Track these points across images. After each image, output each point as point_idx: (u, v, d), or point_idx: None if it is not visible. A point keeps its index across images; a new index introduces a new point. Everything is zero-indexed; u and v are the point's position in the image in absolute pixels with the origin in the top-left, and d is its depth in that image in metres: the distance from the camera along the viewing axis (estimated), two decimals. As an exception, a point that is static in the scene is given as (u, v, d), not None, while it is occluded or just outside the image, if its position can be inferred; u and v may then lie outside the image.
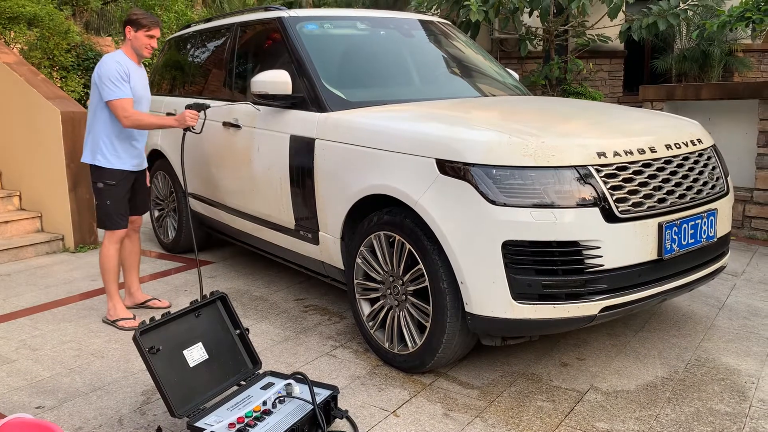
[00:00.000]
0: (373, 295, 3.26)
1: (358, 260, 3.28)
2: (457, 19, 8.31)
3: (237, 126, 4.15)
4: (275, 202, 3.87)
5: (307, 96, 3.64)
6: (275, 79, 3.61)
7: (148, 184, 4.07)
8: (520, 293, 2.66)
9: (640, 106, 6.37)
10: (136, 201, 3.93)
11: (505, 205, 2.64)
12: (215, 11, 11.94)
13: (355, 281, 3.33)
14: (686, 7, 7.65)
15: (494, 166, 2.68)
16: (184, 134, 3.82)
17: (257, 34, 4.36)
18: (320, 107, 3.56)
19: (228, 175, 4.37)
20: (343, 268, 3.48)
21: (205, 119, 4.10)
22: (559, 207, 2.63)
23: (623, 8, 8.23)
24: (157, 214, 5.56)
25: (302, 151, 3.58)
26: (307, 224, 3.66)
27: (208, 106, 3.76)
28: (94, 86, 3.66)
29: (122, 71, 3.59)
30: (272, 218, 3.97)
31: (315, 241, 3.62)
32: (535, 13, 8.28)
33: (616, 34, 8.79)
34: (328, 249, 3.53)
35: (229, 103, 4.36)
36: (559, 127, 3.24)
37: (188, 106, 3.73)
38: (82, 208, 5.59)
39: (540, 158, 2.67)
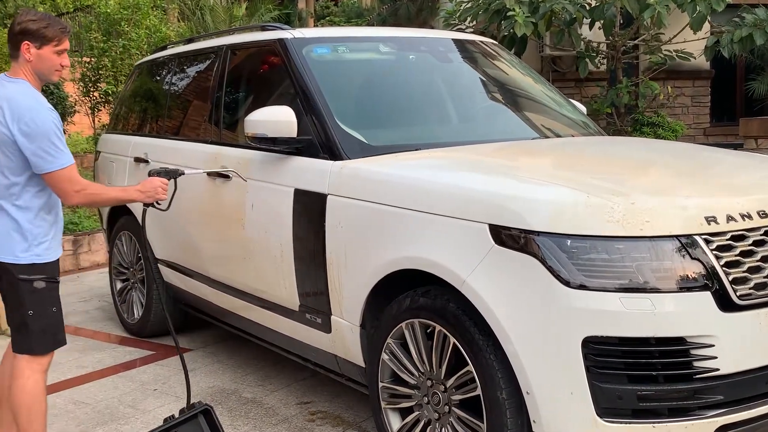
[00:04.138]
0: (404, 404, 3.14)
1: (384, 356, 3.18)
2: (498, 33, 8.34)
3: (225, 176, 4.09)
4: (273, 276, 3.78)
5: (316, 139, 3.59)
6: (276, 118, 3.57)
7: None
8: (607, 408, 2.54)
9: (741, 145, 6.27)
10: None
11: (584, 287, 2.54)
12: (195, 25, 12.13)
13: (381, 384, 3.22)
14: (791, 17, 7.63)
15: (568, 236, 2.58)
16: (145, 210, 3.53)
17: (252, 60, 4.35)
18: (333, 154, 3.50)
19: (212, 238, 4.30)
20: (363, 365, 3.37)
21: (175, 190, 3.67)
22: (657, 291, 2.53)
23: (709, 18, 8.22)
24: (119, 285, 5.49)
25: (310, 211, 3.50)
26: (315, 305, 3.56)
27: (181, 173, 3.57)
28: (5, 141, 3.06)
29: (58, 121, 3.11)
30: (269, 296, 3.89)
31: (326, 327, 3.51)
32: (597, 24, 8.29)
33: (700, 49, 8.77)
34: (344, 339, 3.42)
35: (216, 145, 4.31)
36: (648, 180, 3.16)
37: (155, 173, 3.48)
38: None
39: (630, 225, 2.56)
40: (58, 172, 3.07)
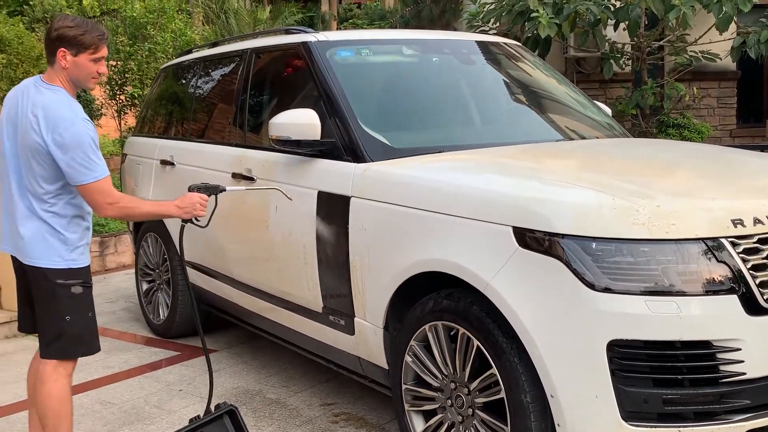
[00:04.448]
0: (427, 407, 3.13)
1: (408, 358, 3.17)
2: (521, 34, 8.30)
3: (250, 178, 4.11)
4: (297, 277, 3.79)
5: (339, 141, 3.59)
6: (299, 121, 3.58)
7: None
8: (632, 412, 2.51)
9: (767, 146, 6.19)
10: None
11: (609, 290, 2.52)
12: (219, 29, 12.21)
13: (404, 386, 3.21)
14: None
15: (593, 239, 2.56)
16: (183, 227, 3.40)
17: (276, 63, 4.36)
18: (357, 156, 3.50)
19: (236, 240, 4.32)
20: (386, 367, 3.37)
21: (215, 207, 3.54)
22: (683, 294, 2.50)
23: (735, 18, 8.12)
24: (145, 286, 5.53)
25: (333, 213, 3.51)
26: (338, 307, 3.56)
27: (222, 189, 3.44)
28: (38, 153, 3.02)
29: (94, 132, 3.05)
30: (292, 297, 3.90)
31: (349, 329, 3.51)
32: (622, 26, 8.22)
33: (726, 50, 8.67)
34: (367, 341, 3.42)
35: (240, 148, 4.34)
36: (674, 182, 3.13)
37: (195, 189, 3.37)
38: (52, 280, 5.55)
39: (656, 228, 2.53)
40: (92, 184, 3.02)
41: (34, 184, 3.07)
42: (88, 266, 3.22)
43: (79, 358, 3.29)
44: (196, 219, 3.33)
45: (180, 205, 3.26)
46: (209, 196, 3.37)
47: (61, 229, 3.10)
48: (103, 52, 3.12)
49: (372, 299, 3.34)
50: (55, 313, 3.12)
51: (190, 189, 3.36)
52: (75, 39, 3.01)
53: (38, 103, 3.03)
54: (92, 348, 3.22)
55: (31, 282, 3.16)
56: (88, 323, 3.17)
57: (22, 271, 3.21)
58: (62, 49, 3.03)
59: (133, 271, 6.06)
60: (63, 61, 3.04)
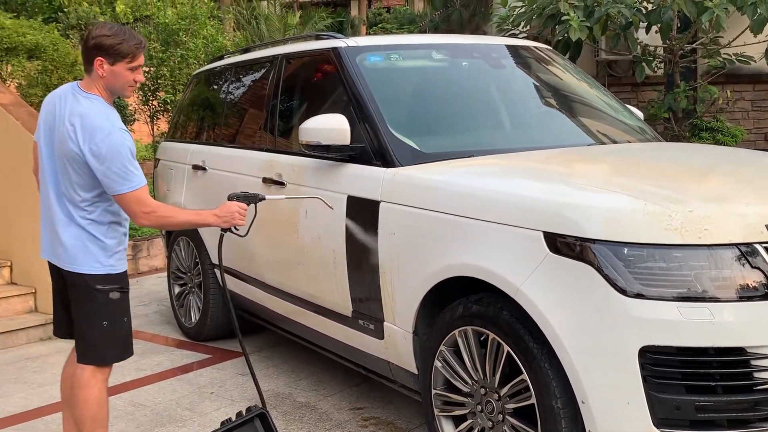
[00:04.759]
0: (458, 412, 3.13)
1: (437, 363, 3.17)
2: (552, 37, 8.25)
3: (280, 183, 4.14)
4: (326, 281, 3.80)
5: (369, 146, 3.60)
6: (329, 126, 3.60)
7: None
8: (664, 419, 2.49)
9: (803, 149, 6.09)
10: None
11: (641, 296, 2.50)
12: (250, 34, 12.30)
13: (434, 391, 3.21)
14: None
15: (625, 244, 2.54)
16: (222, 236, 3.40)
17: (307, 69, 4.39)
18: (386, 161, 3.51)
19: (266, 244, 4.34)
20: (416, 372, 3.37)
21: (255, 216, 3.52)
22: (716, 300, 2.48)
23: (770, 20, 8.00)
24: (177, 290, 5.59)
25: (363, 217, 3.52)
26: (368, 311, 3.57)
27: (261, 198, 3.42)
28: (75, 162, 3.03)
29: (131, 142, 3.05)
30: (322, 301, 3.91)
31: (379, 334, 3.52)
32: (654, 28, 8.13)
33: (761, 53, 8.53)
34: (396, 345, 3.43)
35: (271, 153, 4.37)
36: (707, 187, 3.10)
37: (234, 198, 3.34)
38: (86, 283, 5.63)
39: (689, 233, 2.51)
40: (129, 194, 3.01)
41: (71, 191, 3.09)
42: (125, 271, 3.25)
43: None
44: (235, 228, 3.32)
45: (219, 214, 3.24)
46: (248, 205, 3.34)
47: (99, 235, 3.12)
48: (140, 60, 3.11)
49: (401, 304, 3.34)
50: (92, 318, 3.15)
51: (230, 198, 3.34)
52: (112, 48, 3.01)
53: (75, 111, 3.04)
54: (127, 352, 3.25)
55: (70, 287, 3.19)
56: (124, 328, 3.20)
57: (59, 276, 3.24)
58: (99, 57, 3.02)
59: (166, 274, 6.13)
60: (100, 69, 3.04)
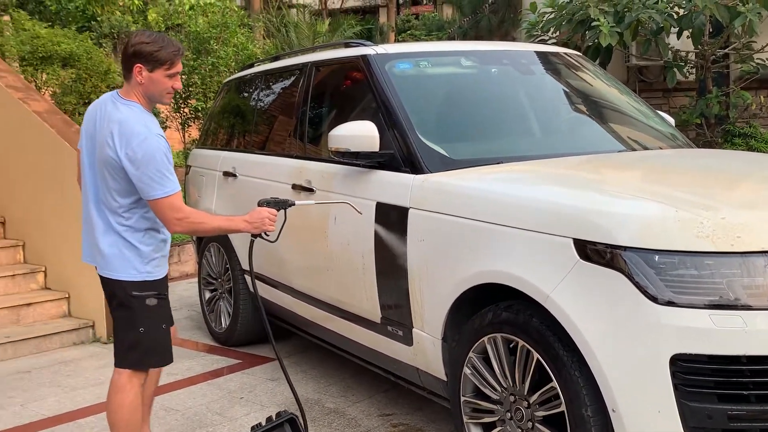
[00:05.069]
0: (487, 419, 3.12)
1: (467, 370, 3.16)
2: (582, 43, 8.21)
3: (309, 189, 4.16)
4: (355, 287, 3.82)
5: (398, 153, 3.62)
6: (358, 133, 3.62)
7: None
8: (696, 427, 2.47)
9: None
10: None
11: (672, 303, 2.48)
12: (280, 42, 12.39)
13: (463, 398, 3.21)
14: None
15: (656, 251, 2.52)
16: (253, 242, 3.45)
17: (336, 76, 4.41)
18: (415, 167, 3.52)
19: (295, 250, 4.37)
20: (445, 378, 3.36)
21: (285, 221, 3.57)
22: (749, 308, 2.45)
23: (805, 24, 7.90)
24: (208, 295, 5.64)
25: (392, 224, 3.53)
26: (396, 318, 3.58)
27: (291, 204, 3.46)
28: (113, 168, 3.08)
29: (167, 148, 3.08)
30: (351, 307, 3.92)
31: (407, 340, 3.52)
32: (686, 33, 8.07)
33: (795, 57, 8.43)
34: (425, 352, 3.43)
35: (300, 159, 4.40)
36: (740, 194, 3.07)
37: (264, 203, 3.39)
38: (118, 288, 5.71)
39: (721, 240, 2.49)
40: (163, 199, 3.04)
41: (108, 198, 3.14)
42: (164, 278, 3.26)
43: None
44: (265, 234, 3.35)
45: (249, 220, 3.27)
46: (278, 210, 3.38)
47: (136, 242, 3.16)
48: (178, 67, 3.14)
49: (430, 310, 3.34)
50: (129, 323, 3.18)
51: (260, 204, 3.38)
52: (151, 55, 3.05)
53: (114, 118, 3.09)
54: (165, 359, 3.29)
55: (108, 292, 3.24)
56: (161, 335, 3.22)
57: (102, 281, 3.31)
58: (138, 64, 3.07)
59: (196, 280, 6.19)
60: (139, 76, 3.09)
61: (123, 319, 3.20)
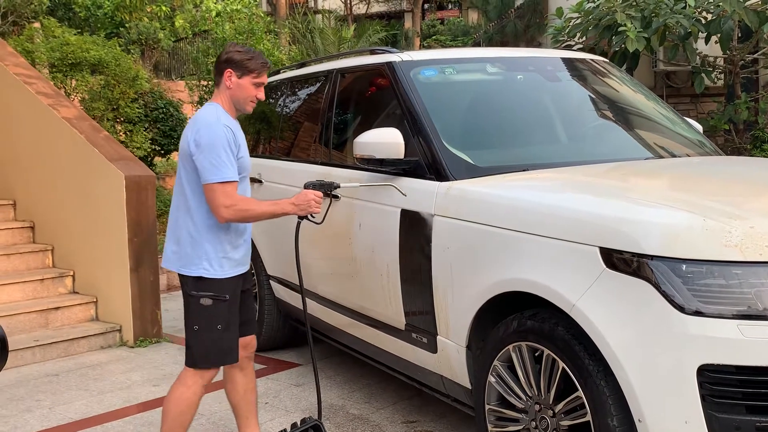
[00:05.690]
0: (511, 428, 3.10)
1: (491, 378, 3.15)
2: (608, 48, 8.17)
3: (335, 196, 4.17)
4: (380, 294, 3.82)
5: (423, 160, 3.62)
6: (384, 140, 3.62)
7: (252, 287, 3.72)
8: (724, 439, 2.43)
9: None
10: (242, 316, 3.45)
11: (700, 313, 2.46)
12: (305, 48, 12.46)
13: (487, 406, 3.19)
14: None
15: (684, 260, 2.50)
16: (299, 223, 3.52)
17: (361, 83, 4.42)
18: (440, 175, 3.52)
19: (320, 256, 4.38)
20: (469, 386, 3.35)
21: (330, 204, 3.65)
22: (778, 318, 2.41)
23: (836, 29, 7.79)
24: (232, 301, 5.65)
25: (416, 231, 3.53)
26: (421, 325, 3.57)
27: (336, 186, 3.52)
28: (185, 158, 3.26)
29: (232, 139, 3.23)
30: (375, 314, 3.93)
31: (432, 348, 3.51)
32: (714, 38, 7.99)
33: (826, 62, 8.33)
34: (449, 360, 3.42)
35: (325, 166, 4.41)
36: (769, 202, 3.02)
37: (310, 186, 3.49)
38: (145, 293, 5.78)
39: (749, 250, 2.46)
40: (216, 184, 3.16)
41: (182, 192, 3.30)
42: (224, 279, 3.29)
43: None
44: (311, 216, 3.43)
45: (295, 202, 3.37)
46: (324, 192, 3.45)
47: (197, 235, 3.27)
48: (264, 79, 3.38)
49: (455, 318, 3.34)
50: (187, 320, 3.33)
51: (306, 186, 3.48)
52: (241, 62, 3.30)
53: (195, 115, 3.33)
54: (222, 360, 3.33)
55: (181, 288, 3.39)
56: (215, 336, 3.26)
57: None
58: (229, 69, 3.31)
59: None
60: (228, 81, 3.32)
61: (185, 315, 3.34)
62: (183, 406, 3.28)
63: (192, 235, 3.27)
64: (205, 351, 3.27)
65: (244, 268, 3.42)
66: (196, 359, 3.28)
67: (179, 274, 3.32)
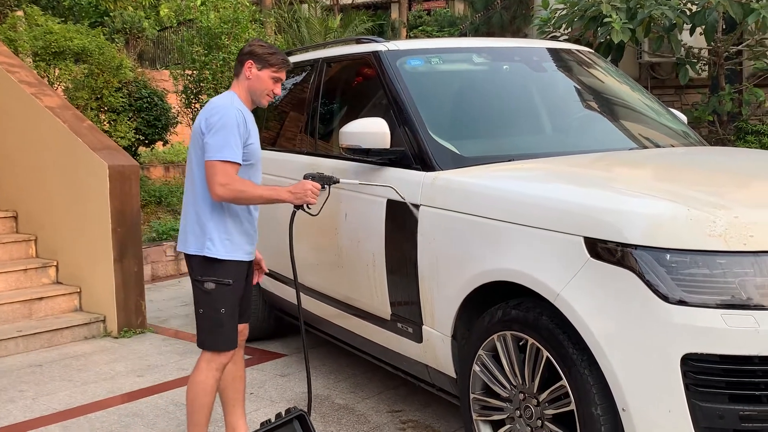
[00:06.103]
0: (496, 417, 3.11)
1: (476, 367, 3.16)
2: (594, 39, 8.18)
3: (321, 187, 4.15)
4: (366, 285, 3.81)
5: (409, 150, 3.61)
6: (369, 130, 3.61)
7: (259, 279, 3.74)
8: (707, 428, 2.45)
9: None
10: (242, 305, 3.49)
11: (683, 303, 2.46)
12: (291, 38, 12.39)
13: (472, 395, 3.20)
14: None
15: (667, 250, 2.51)
16: (294, 213, 3.54)
17: (347, 72, 4.41)
18: (426, 165, 3.51)
19: (306, 247, 4.37)
20: (454, 376, 3.36)
21: (327, 197, 3.65)
22: (761, 308, 2.42)
23: (819, 21, 7.83)
24: (217, 291, 5.63)
25: (402, 221, 3.52)
26: (406, 315, 3.57)
27: (335, 181, 3.51)
28: (197, 140, 3.30)
29: (242, 122, 3.26)
30: (361, 304, 3.92)
31: (417, 337, 3.52)
32: (698, 30, 8.02)
33: (809, 54, 8.37)
34: (435, 349, 3.42)
35: (311, 156, 4.40)
36: (753, 192, 3.05)
37: (310, 177, 3.46)
38: (129, 283, 5.75)
39: (733, 239, 2.47)
40: (216, 162, 3.18)
41: (192, 175, 3.33)
42: (227, 262, 3.30)
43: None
44: (307, 206, 3.42)
45: (293, 191, 3.36)
46: (322, 185, 3.43)
47: (202, 215, 3.29)
48: (282, 75, 3.43)
49: (440, 308, 3.34)
50: (195, 302, 3.38)
51: (306, 177, 3.46)
52: (263, 56, 3.36)
53: (210, 100, 3.39)
54: (227, 343, 3.34)
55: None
56: (218, 318, 3.30)
57: None
58: (250, 60, 3.36)
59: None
60: (248, 72, 3.37)
61: (193, 296, 3.39)
62: (197, 391, 3.32)
63: (199, 215, 3.30)
64: (210, 333, 3.32)
65: (249, 256, 3.42)
66: (203, 341, 3.35)
67: (185, 258, 3.37)
